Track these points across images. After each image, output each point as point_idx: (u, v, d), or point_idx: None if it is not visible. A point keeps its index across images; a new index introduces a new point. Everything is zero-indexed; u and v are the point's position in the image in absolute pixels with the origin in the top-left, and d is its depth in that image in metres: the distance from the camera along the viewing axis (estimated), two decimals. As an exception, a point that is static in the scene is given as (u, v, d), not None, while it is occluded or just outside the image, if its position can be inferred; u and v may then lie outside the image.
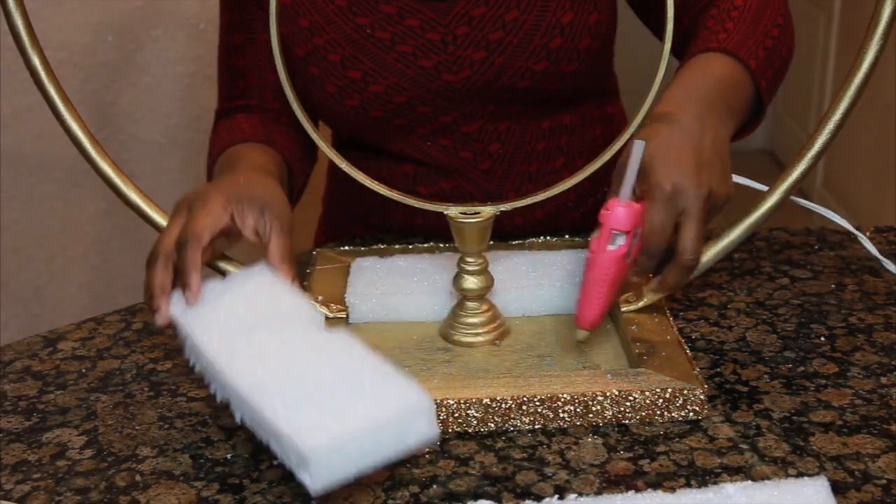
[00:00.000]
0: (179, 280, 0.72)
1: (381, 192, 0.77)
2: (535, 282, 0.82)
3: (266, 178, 0.83)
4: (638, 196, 0.74)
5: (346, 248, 0.94)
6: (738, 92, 0.83)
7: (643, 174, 0.74)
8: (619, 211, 0.70)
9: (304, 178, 1.01)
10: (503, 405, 0.68)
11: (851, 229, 0.86)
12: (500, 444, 0.67)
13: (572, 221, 1.04)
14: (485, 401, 0.68)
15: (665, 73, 0.71)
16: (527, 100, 0.97)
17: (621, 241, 0.70)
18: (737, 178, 0.81)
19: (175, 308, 0.71)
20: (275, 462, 0.66)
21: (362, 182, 0.77)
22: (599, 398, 0.68)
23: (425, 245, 0.93)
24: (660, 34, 0.91)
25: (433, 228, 1.01)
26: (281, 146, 0.95)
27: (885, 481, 0.61)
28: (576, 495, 0.61)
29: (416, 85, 0.93)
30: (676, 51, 0.91)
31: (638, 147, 0.70)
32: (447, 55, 0.92)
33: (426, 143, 0.98)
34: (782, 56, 0.88)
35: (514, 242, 0.93)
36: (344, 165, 0.76)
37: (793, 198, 0.81)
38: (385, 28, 0.92)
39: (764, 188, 0.80)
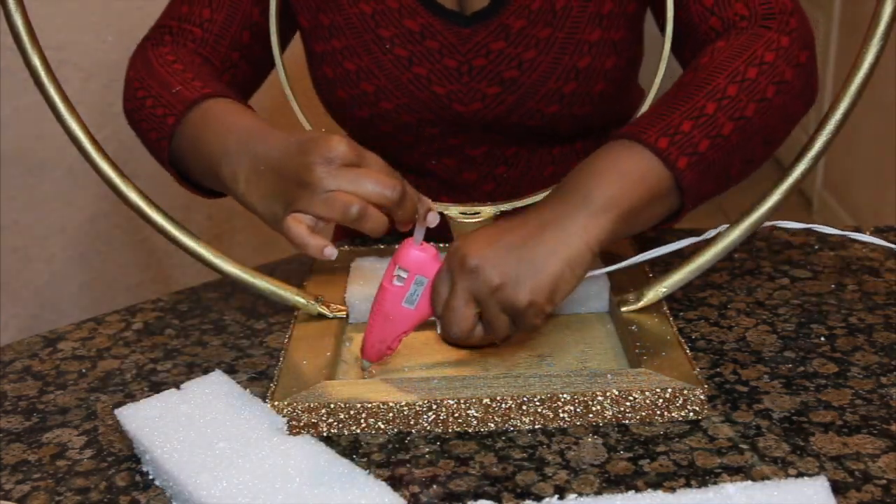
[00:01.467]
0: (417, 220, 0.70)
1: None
2: None
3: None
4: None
5: (346, 247, 0.94)
6: (647, 195, 0.72)
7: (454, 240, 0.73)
8: (410, 251, 0.70)
9: None
10: (503, 405, 0.68)
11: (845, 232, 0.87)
12: (500, 444, 0.67)
13: None
14: (485, 401, 0.68)
15: (664, 74, 0.71)
16: (537, 135, 0.95)
17: (402, 278, 0.70)
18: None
19: (130, 424, 0.67)
20: (275, 462, 0.66)
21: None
22: (599, 398, 0.68)
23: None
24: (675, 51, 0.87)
25: (432, 229, 1.01)
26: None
27: (885, 481, 0.61)
28: (576, 495, 0.61)
29: (426, 109, 0.92)
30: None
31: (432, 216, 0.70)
32: (461, 85, 0.90)
33: (431, 160, 0.97)
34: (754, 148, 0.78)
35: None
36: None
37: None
38: (405, 45, 0.89)
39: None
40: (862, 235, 0.84)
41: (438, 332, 0.77)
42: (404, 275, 0.70)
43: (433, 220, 0.70)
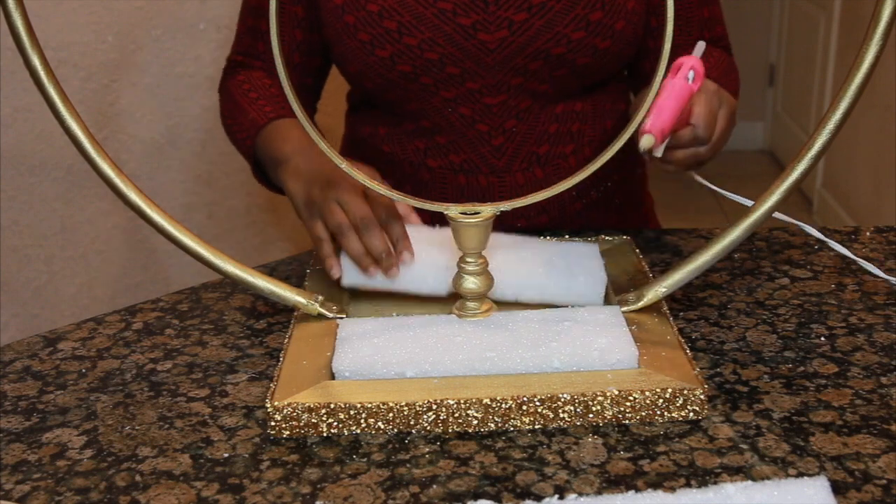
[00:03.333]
0: (395, 246, 0.84)
1: (381, 192, 0.77)
2: (530, 267, 0.83)
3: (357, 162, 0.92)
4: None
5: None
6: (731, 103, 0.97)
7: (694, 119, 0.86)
8: (692, 59, 0.83)
9: None
10: (503, 405, 0.68)
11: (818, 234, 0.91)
12: (500, 444, 0.68)
13: (576, 212, 1.05)
14: (485, 401, 0.68)
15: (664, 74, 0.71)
16: (552, 75, 0.99)
17: (692, 77, 0.82)
18: (699, 179, 0.91)
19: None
20: (275, 462, 0.66)
21: (362, 182, 0.76)
22: (599, 398, 0.68)
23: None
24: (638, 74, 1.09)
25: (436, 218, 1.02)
26: None
27: (885, 481, 0.61)
28: (576, 495, 0.61)
29: (450, 42, 0.96)
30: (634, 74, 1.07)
31: (699, 47, 0.85)
32: (487, 14, 0.95)
33: (447, 108, 1.00)
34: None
35: (514, 242, 0.93)
36: (344, 166, 0.76)
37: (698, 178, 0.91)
38: None
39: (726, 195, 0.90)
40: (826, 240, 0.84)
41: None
42: (694, 76, 0.83)
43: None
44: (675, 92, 0.81)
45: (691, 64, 0.82)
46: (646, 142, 0.78)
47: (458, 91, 0.99)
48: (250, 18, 1.08)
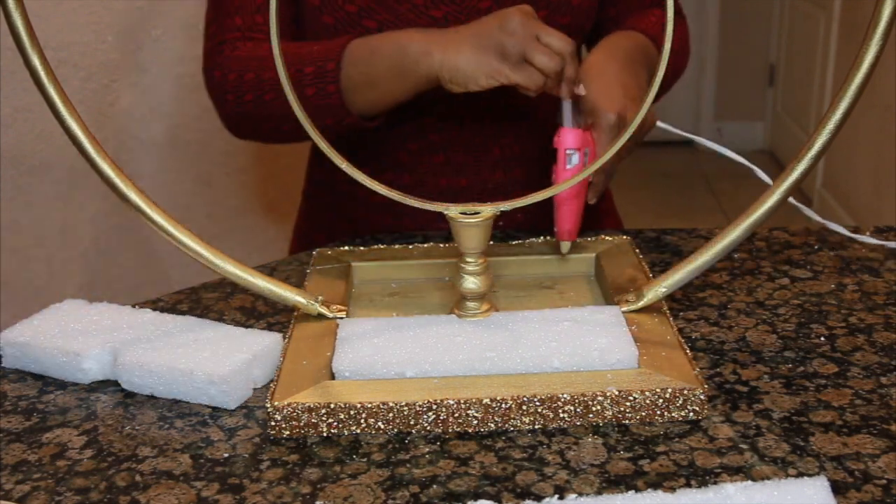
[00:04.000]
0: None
1: (381, 192, 0.76)
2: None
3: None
4: (584, 126, 0.88)
5: (346, 248, 0.94)
6: (647, 55, 1.01)
7: (589, 110, 0.88)
8: (568, 134, 0.85)
9: None
10: (503, 405, 0.69)
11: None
12: (500, 444, 0.68)
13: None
14: (485, 401, 0.68)
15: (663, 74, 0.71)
16: None
17: (576, 159, 0.85)
18: (661, 125, 0.95)
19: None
20: (275, 462, 0.66)
21: (362, 182, 0.76)
22: (599, 398, 0.68)
23: (425, 245, 0.93)
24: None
25: (422, 229, 1.03)
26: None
27: (885, 481, 0.61)
28: (576, 495, 0.61)
29: None
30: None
31: (566, 104, 0.87)
32: (455, 5, 1.00)
33: (426, 94, 1.01)
34: (686, 58, 1.13)
35: (513, 243, 0.93)
36: (344, 166, 0.76)
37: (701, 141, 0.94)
38: None
39: (690, 136, 0.94)
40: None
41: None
42: (575, 155, 0.85)
43: (580, 91, 0.88)
44: (570, 193, 0.86)
45: (565, 146, 0.85)
46: (564, 249, 0.89)
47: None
48: None
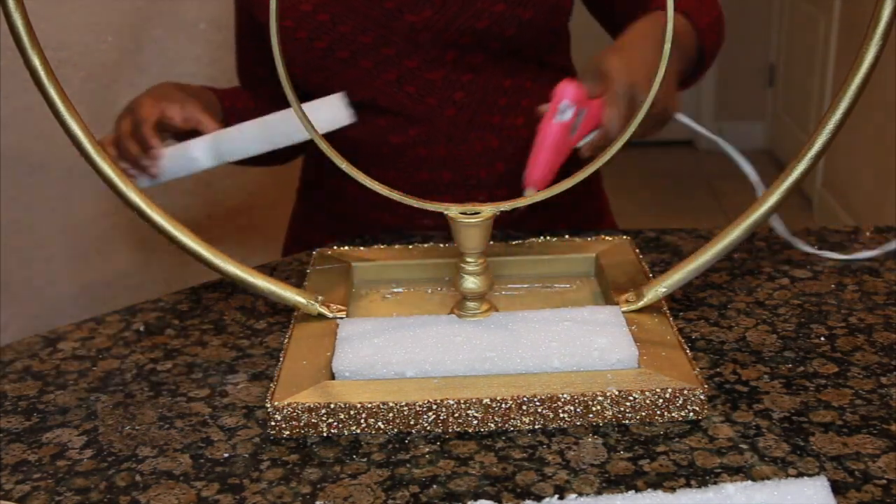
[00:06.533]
0: (143, 151, 0.98)
1: (382, 192, 0.76)
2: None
3: (187, 88, 1.07)
4: (596, 95, 0.87)
5: (346, 248, 0.94)
6: (682, 42, 1.00)
7: (603, 79, 0.88)
8: (569, 87, 0.84)
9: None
10: (503, 405, 0.69)
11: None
12: (500, 444, 0.68)
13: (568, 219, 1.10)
14: (485, 401, 0.68)
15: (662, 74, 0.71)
16: (486, 48, 1.04)
17: (569, 115, 0.83)
18: (680, 117, 0.94)
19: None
20: (275, 462, 0.66)
21: (362, 182, 0.76)
22: (599, 398, 0.68)
23: (425, 245, 0.93)
24: (610, 28, 1.13)
25: (428, 228, 1.04)
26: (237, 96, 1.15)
27: (885, 481, 0.61)
28: (576, 495, 0.61)
29: (379, 25, 1.03)
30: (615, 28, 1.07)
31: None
32: None
33: (392, 89, 1.05)
34: (721, 33, 1.08)
35: (513, 243, 0.93)
36: (344, 166, 0.76)
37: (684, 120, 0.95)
38: None
39: (710, 135, 0.94)
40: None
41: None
42: (569, 110, 0.83)
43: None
44: (547, 140, 0.84)
45: (562, 97, 0.84)
46: (528, 194, 0.85)
47: (398, 72, 1.04)
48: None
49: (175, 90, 1.04)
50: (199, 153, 0.97)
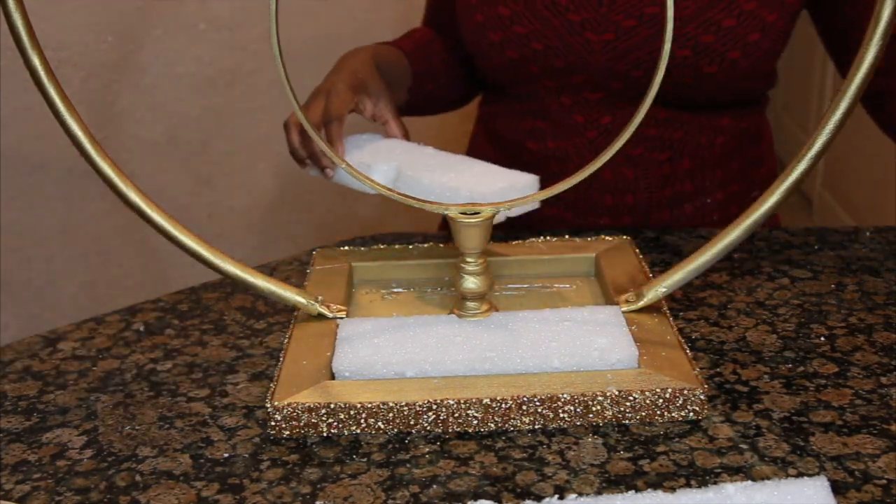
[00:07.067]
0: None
1: (382, 193, 0.77)
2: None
3: (379, 76, 1.03)
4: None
5: (346, 247, 0.94)
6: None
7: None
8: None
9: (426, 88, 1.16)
10: (503, 405, 0.69)
11: None
12: (500, 444, 0.68)
13: (662, 221, 1.09)
14: (485, 401, 0.68)
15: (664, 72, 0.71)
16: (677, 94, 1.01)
17: None
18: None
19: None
20: (275, 462, 0.66)
21: (363, 182, 0.76)
22: (599, 398, 0.68)
23: (425, 245, 0.93)
24: (841, 66, 1.10)
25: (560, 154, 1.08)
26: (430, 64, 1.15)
27: (885, 481, 0.61)
28: (576, 495, 0.61)
29: (556, 35, 1.01)
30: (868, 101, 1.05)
31: None
32: (597, 14, 0.99)
33: (550, 95, 1.05)
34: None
35: (513, 243, 0.93)
36: (344, 166, 0.76)
37: None
38: None
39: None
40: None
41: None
42: None
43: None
44: None
45: None
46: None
47: (560, 81, 1.04)
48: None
49: (373, 78, 1.01)
50: (379, 177, 0.93)
